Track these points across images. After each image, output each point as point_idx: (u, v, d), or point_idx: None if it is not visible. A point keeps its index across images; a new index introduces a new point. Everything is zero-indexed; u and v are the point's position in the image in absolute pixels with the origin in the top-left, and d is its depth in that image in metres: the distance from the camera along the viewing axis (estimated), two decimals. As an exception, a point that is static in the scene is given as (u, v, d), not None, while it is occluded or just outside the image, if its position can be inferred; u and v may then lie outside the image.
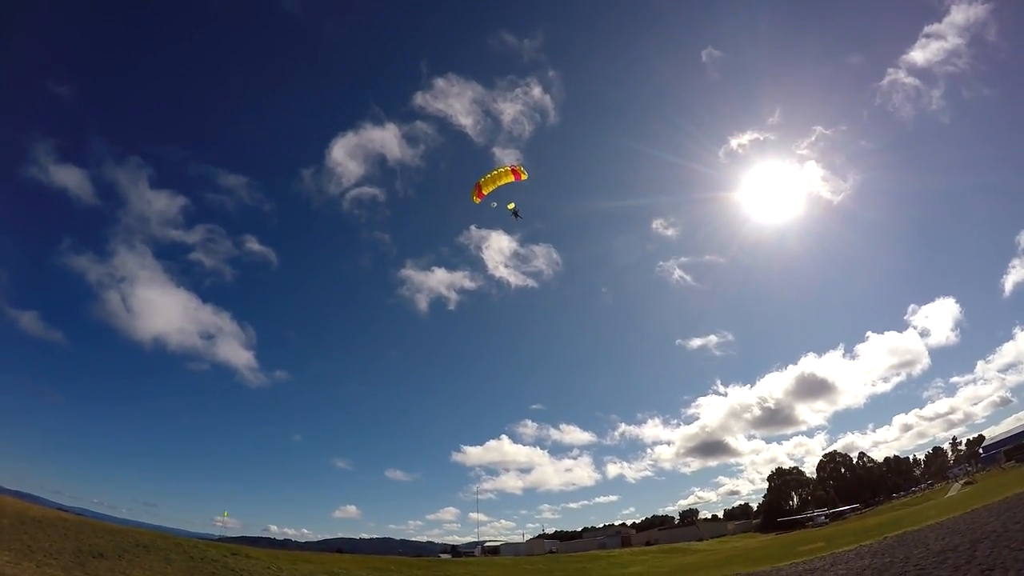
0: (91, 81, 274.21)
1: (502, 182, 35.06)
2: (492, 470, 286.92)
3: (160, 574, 25.95)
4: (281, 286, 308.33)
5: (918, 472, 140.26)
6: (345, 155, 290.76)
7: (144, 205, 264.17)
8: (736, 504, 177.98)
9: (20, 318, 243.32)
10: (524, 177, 36.12)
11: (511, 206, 37.37)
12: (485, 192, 35.12)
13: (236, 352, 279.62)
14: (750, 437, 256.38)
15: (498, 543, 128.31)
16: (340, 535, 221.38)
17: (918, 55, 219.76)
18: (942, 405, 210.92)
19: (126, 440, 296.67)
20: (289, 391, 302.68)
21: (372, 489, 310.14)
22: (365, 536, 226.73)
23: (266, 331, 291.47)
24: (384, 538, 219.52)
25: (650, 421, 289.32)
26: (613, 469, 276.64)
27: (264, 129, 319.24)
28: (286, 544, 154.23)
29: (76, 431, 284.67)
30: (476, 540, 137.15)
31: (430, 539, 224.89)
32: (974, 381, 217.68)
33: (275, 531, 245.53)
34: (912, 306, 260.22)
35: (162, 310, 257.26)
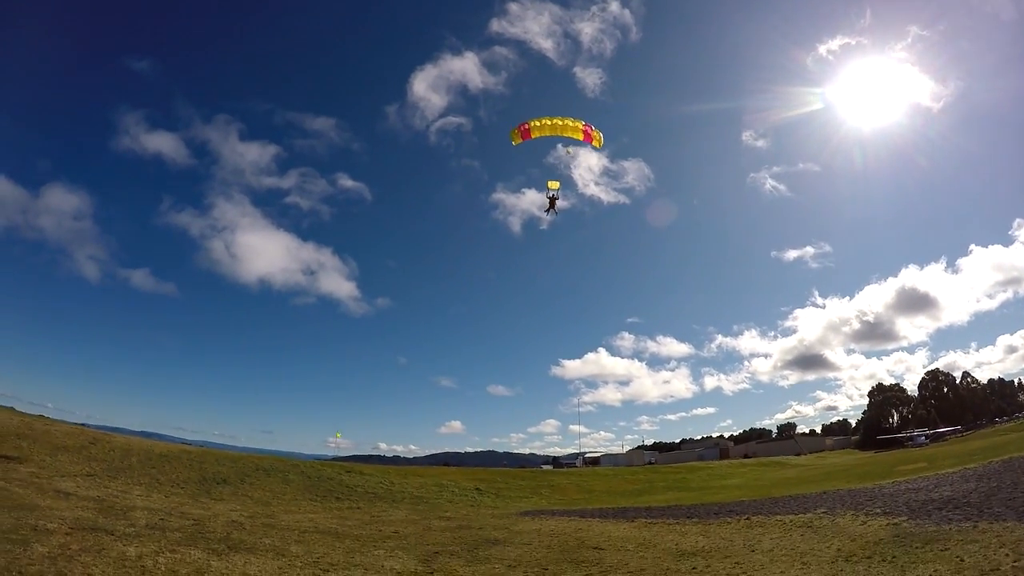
0: (168, 51, 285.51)
1: (567, 134, 29.72)
2: (591, 383, 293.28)
3: (280, 493, 27.91)
4: (377, 219, 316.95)
5: (1023, 398, 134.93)
6: (427, 88, 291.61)
7: (237, 158, 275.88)
8: (834, 420, 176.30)
9: (132, 276, 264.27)
10: (598, 142, 30.43)
11: (554, 187, 31.43)
12: (534, 136, 29.48)
13: (339, 284, 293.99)
14: (849, 351, 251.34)
15: (598, 454, 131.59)
16: (446, 449, 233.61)
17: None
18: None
19: (241, 375, 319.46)
20: (392, 317, 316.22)
21: (475, 405, 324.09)
22: (470, 450, 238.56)
23: (366, 262, 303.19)
24: (488, 451, 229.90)
25: (747, 333, 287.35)
26: (710, 381, 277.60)
27: (343, 71, 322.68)
28: (395, 460, 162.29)
29: (194, 373, 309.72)
30: (577, 452, 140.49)
31: (532, 451, 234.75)
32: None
33: (384, 449, 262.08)
34: (1018, 220, 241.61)
35: (265, 252, 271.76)
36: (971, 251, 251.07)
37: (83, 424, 45.16)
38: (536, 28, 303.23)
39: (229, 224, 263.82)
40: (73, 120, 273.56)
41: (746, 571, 12.04)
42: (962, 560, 10.39)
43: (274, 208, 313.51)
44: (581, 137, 29.77)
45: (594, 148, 32.10)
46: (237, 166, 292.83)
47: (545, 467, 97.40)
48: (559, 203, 32.13)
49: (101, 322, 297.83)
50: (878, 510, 17.18)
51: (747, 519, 19.55)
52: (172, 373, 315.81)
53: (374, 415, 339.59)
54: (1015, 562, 9.67)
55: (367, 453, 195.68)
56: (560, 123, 29.52)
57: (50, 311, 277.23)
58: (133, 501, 19.60)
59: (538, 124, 29.47)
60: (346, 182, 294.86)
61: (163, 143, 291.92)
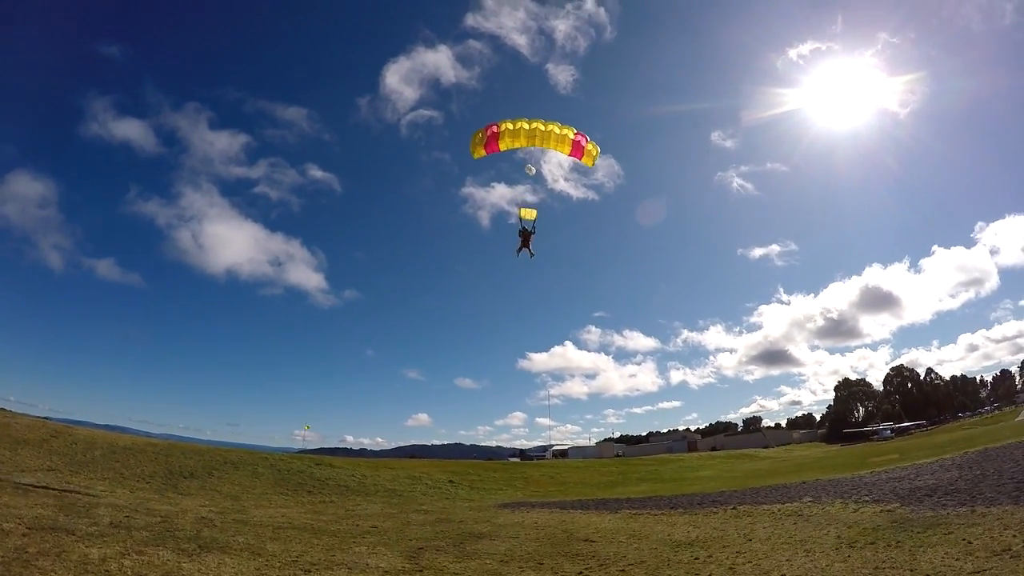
0: (138, 37, 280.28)
1: (549, 145, 22.76)
2: (558, 376, 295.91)
3: (250, 487, 27.30)
4: (347, 210, 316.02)
5: (984, 394, 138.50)
6: (400, 81, 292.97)
7: (206, 147, 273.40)
8: (798, 414, 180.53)
9: (97, 266, 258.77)
10: (590, 160, 24.05)
11: (529, 216, 25.08)
12: (503, 147, 22.52)
13: (307, 275, 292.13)
14: (813, 348, 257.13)
15: (566, 446, 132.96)
16: (413, 442, 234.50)
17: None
18: (1010, 328, 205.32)
19: (207, 367, 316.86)
20: (360, 309, 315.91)
21: (442, 397, 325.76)
22: (437, 442, 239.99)
23: (335, 254, 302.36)
24: (455, 443, 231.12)
25: (712, 328, 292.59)
26: (676, 375, 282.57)
27: (317, 61, 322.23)
28: (362, 453, 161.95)
29: (159, 365, 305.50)
30: (544, 444, 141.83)
31: (499, 444, 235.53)
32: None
33: (351, 442, 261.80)
34: (980, 223, 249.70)
35: (232, 243, 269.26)
36: (934, 252, 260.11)
37: (46, 418, 43.58)
38: (511, 23, 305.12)
39: (197, 214, 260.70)
40: (40, 106, 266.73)
41: (750, 560, 11.66)
42: (970, 543, 10.19)
43: (243, 198, 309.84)
44: (568, 151, 23.06)
45: (584, 166, 26.47)
46: (206, 155, 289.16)
47: (512, 459, 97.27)
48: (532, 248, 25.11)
49: (65, 313, 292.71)
50: (866, 498, 17.11)
51: (733, 509, 19.33)
52: (137, 365, 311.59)
53: (341, 408, 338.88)
54: None
55: (334, 446, 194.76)
56: (543, 128, 22.27)
57: (12, 302, 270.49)
58: (97, 497, 18.72)
59: (511, 128, 22.05)
60: (316, 173, 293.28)
61: (131, 130, 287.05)
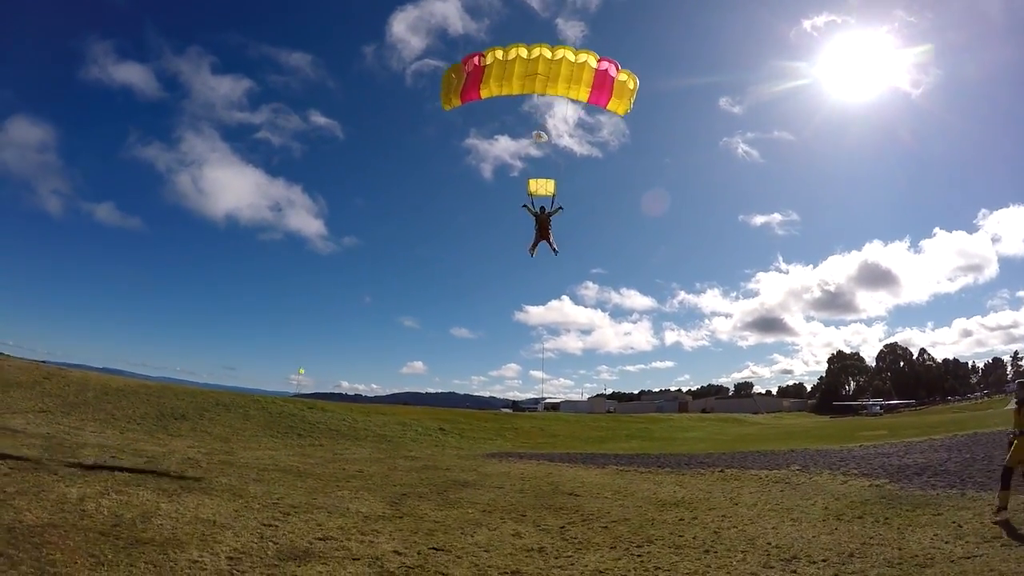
0: None
1: (558, 90, 15.72)
2: (553, 330, 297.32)
3: (240, 430, 27.20)
4: (349, 158, 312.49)
5: (974, 380, 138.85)
6: (406, 29, 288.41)
7: (208, 92, 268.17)
8: (790, 383, 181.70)
9: (96, 210, 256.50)
10: (624, 99, 16.16)
11: (543, 191, 17.82)
12: (487, 93, 15.88)
13: (307, 221, 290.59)
14: (808, 318, 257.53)
15: (558, 400, 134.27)
16: (407, 389, 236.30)
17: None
18: (1006, 317, 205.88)
19: (205, 311, 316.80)
20: (359, 256, 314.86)
21: (438, 346, 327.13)
22: (431, 390, 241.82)
23: (335, 200, 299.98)
24: (449, 392, 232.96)
25: (709, 292, 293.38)
26: (671, 336, 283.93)
27: (322, 7, 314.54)
28: (357, 399, 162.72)
29: (158, 308, 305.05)
30: (536, 397, 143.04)
31: (492, 394, 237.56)
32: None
33: (346, 387, 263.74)
34: (983, 210, 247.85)
35: (233, 188, 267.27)
36: (935, 234, 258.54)
37: (43, 361, 43.40)
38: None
39: (197, 159, 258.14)
40: (39, 49, 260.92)
41: (735, 524, 11.53)
42: (960, 526, 10.08)
43: (244, 143, 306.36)
44: (587, 92, 15.68)
45: (616, 114, 16.59)
46: (208, 100, 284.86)
47: (504, 410, 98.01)
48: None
49: (64, 257, 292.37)
50: (855, 471, 17.07)
51: (721, 472, 19.32)
52: (135, 309, 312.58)
53: (337, 353, 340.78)
54: (1019, 530, 9.48)
55: (329, 391, 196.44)
56: (549, 56, 15.01)
57: (11, 247, 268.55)
58: (85, 438, 18.55)
59: (502, 58, 15.15)
60: (319, 119, 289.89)
61: (132, 74, 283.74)
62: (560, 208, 17.81)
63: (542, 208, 17.84)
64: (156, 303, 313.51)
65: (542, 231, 17.82)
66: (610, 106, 16.06)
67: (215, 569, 7.46)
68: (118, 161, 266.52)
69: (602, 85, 15.63)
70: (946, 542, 9.28)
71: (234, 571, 7.50)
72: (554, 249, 17.99)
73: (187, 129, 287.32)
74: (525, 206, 17.82)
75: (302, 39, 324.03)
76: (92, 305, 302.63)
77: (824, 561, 8.78)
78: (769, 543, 10.01)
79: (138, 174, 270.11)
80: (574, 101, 16.28)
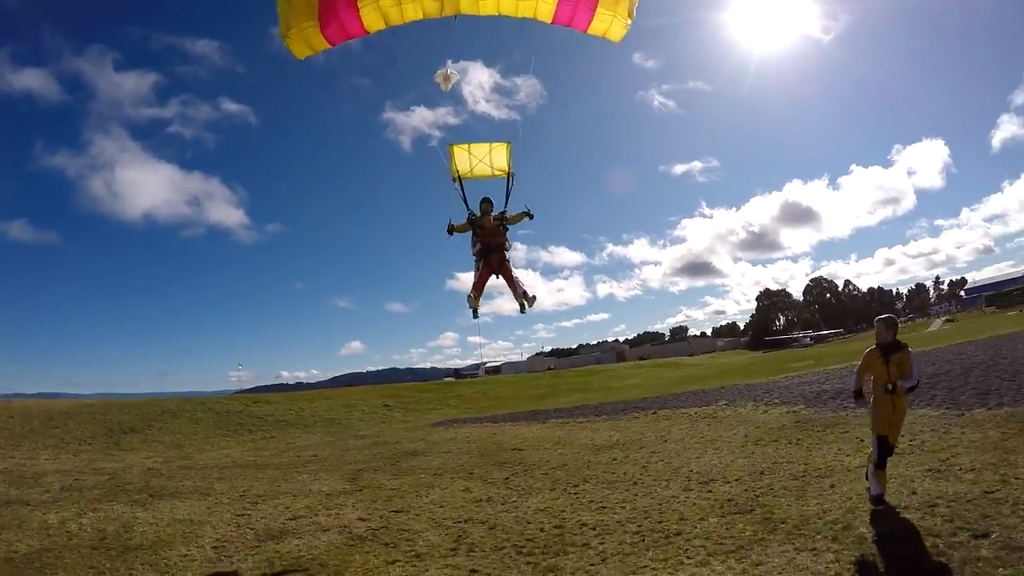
0: None
1: (504, 8, 8.66)
2: (487, 295, 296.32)
3: (191, 434, 27.19)
4: (264, 143, 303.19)
5: (899, 306, 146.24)
6: None
7: (113, 90, 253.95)
8: (723, 323, 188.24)
9: (9, 229, 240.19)
10: (619, 27, 8.77)
11: (483, 170, 10.49)
12: (370, 22, 8.62)
13: (228, 212, 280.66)
14: (736, 260, 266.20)
15: (499, 363, 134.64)
16: (348, 371, 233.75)
17: None
18: (925, 244, 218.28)
19: (133, 318, 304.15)
20: (285, 241, 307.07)
21: (374, 324, 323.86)
22: (372, 369, 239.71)
23: (255, 188, 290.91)
24: (390, 368, 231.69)
25: (637, 242, 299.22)
26: (603, 288, 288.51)
27: None
28: (299, 387, 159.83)
29: (85, 322, 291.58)
30: (477, 362, 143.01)
31: (433, 365, 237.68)
32: (958, 226, 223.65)
33: (287, 376, 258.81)
34: (897, 146, 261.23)
35: (147, 187, 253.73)
36: (852, 171, 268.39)
37: None
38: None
39: (108, 160, 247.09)
40: None
41: (663, 458, 12.87)
42: (862, 440, 11.32)
43: (155, 140, 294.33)
44: (550, 13, 8.65)
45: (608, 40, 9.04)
46: (114, 98, 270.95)
47: (447, 379, 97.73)
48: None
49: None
50: (776, 401, 18.39)
51: (654, 413, 20.67)
52: (61, 328, 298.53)
53: (273, 344, 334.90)
54: (911, 441, 10.62)
55: (270, 383, 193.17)
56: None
57: None
58: (42, 466, 18.46)
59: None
60: (230, 106, 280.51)
61: (32, 80, 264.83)
62: (528, 213, 10.49)
63: (485, 206, 10.16)
64: (81, 318, 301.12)
65: (492, 260, 10.13)
66: (595, 25, 8.82)
67: (204, 558, 8.33)
68: (26, 174, 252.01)
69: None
70: (847, 455, 10.65)
71: (221, 557, 8.37)
72: (524, 301, 10.36)
73: (95, 131, 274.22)
74: (453, 224, 10.05)
75: (207, 26, 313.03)
76: (16, 328, 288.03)
77: (737, 480, 10.14)
78: (691, 471, 11.38)
79: (48, 185, 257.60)
80: (524, 24, 8.95)
